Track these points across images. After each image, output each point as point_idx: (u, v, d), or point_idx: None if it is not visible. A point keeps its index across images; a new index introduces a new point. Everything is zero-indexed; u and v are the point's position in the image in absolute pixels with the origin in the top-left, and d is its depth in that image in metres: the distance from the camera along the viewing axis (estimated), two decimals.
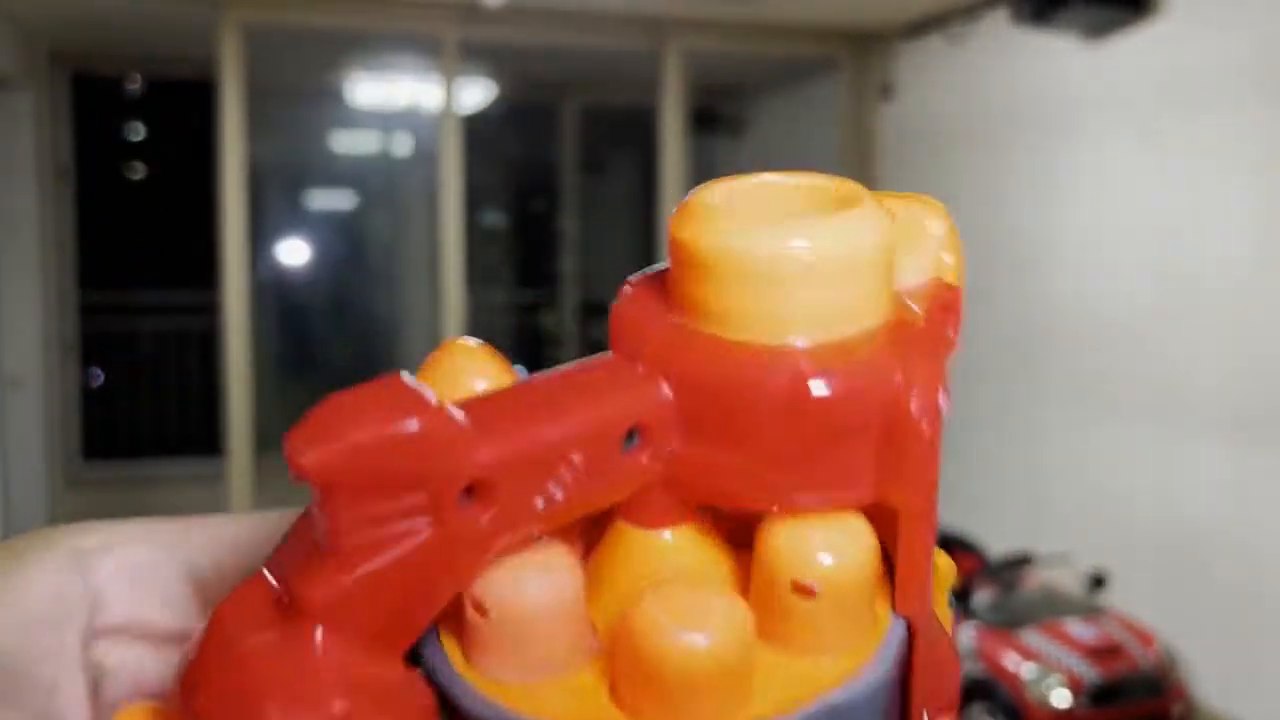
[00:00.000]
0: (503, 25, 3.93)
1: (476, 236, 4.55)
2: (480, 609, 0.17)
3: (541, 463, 0.16)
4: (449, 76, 3.94)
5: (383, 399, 0.16)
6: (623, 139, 5.55)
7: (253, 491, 3.78)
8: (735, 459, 0.17)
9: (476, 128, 4.30)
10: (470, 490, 0.16)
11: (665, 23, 4.03)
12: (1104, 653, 2.63)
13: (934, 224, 0.20)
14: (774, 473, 0.17)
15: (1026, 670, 2.59)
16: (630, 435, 0.17)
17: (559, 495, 0.17)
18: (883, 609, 0.18)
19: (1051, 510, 3.41)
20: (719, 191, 0.19)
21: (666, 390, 0.17)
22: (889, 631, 0.18)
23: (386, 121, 5.17)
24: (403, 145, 5.35)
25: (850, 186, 0.19)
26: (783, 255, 0.17)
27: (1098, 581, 2.92)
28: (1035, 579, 2.94)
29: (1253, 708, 2.73)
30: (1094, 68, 3.18)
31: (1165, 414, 2.97)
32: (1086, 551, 3.03)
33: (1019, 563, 2.97)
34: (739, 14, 3.93)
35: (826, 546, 0.17)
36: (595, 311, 5.19)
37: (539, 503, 0.16)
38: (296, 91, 4.86)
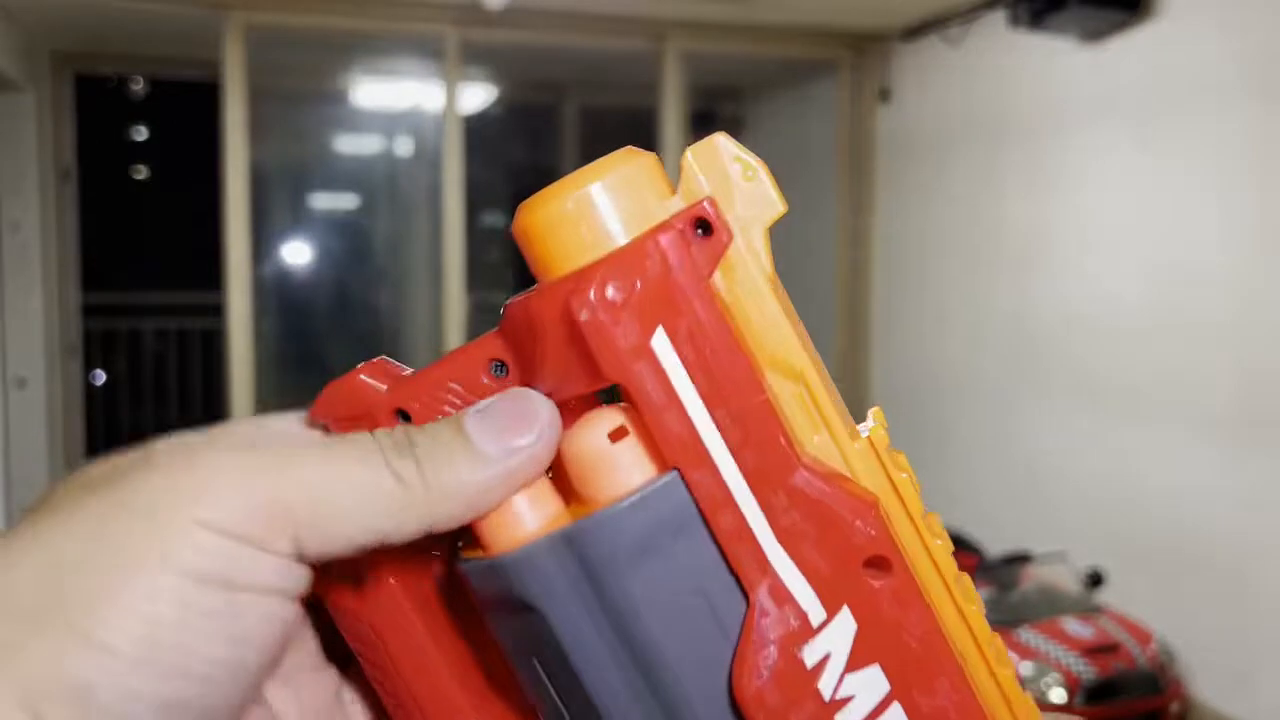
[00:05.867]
0: (504, 27, 3.94)
1: (477, 237, 4.57)
2: None
3: (432, 391, 0.26)
4: (450, 78, 3.96)
5: (348, 377, 0.27)
6: (622, 140, 5.54)
7: None
8: (533, 377, 0.25)
9: (477, 129, 4.32)
10: (402, 411, 0.26)
11: (665, 24, 4.04)
12: (1101, 651, 2.64)
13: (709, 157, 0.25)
14: (541, 374, 0.24)
15: (1024, 668, 2.59)
16: (499, 367, 0.25)
17: (454, 410, 0.25)
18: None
19: (1049, 509, 3.42)
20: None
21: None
22: (652, 483, 0.23)
23: (388, 123, 5.19)
24: (404, 146, 5.36)
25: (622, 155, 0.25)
26: (527, 220, 0.24)
27: (1095, 580, 2.92)
28: (1033, 577, 2.94)
29: (1250, 705, 2.74)
30: (1091, 70, 3.19)
31: (1162, 413, 2.98)
32: (1084, 550, 3.04)
33: (1016, 561, 2.98)
34: (738, 16, 3.94)
35: (573, 433, 0.24)
36: None
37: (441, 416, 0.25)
38: (299, 93, 4.87)
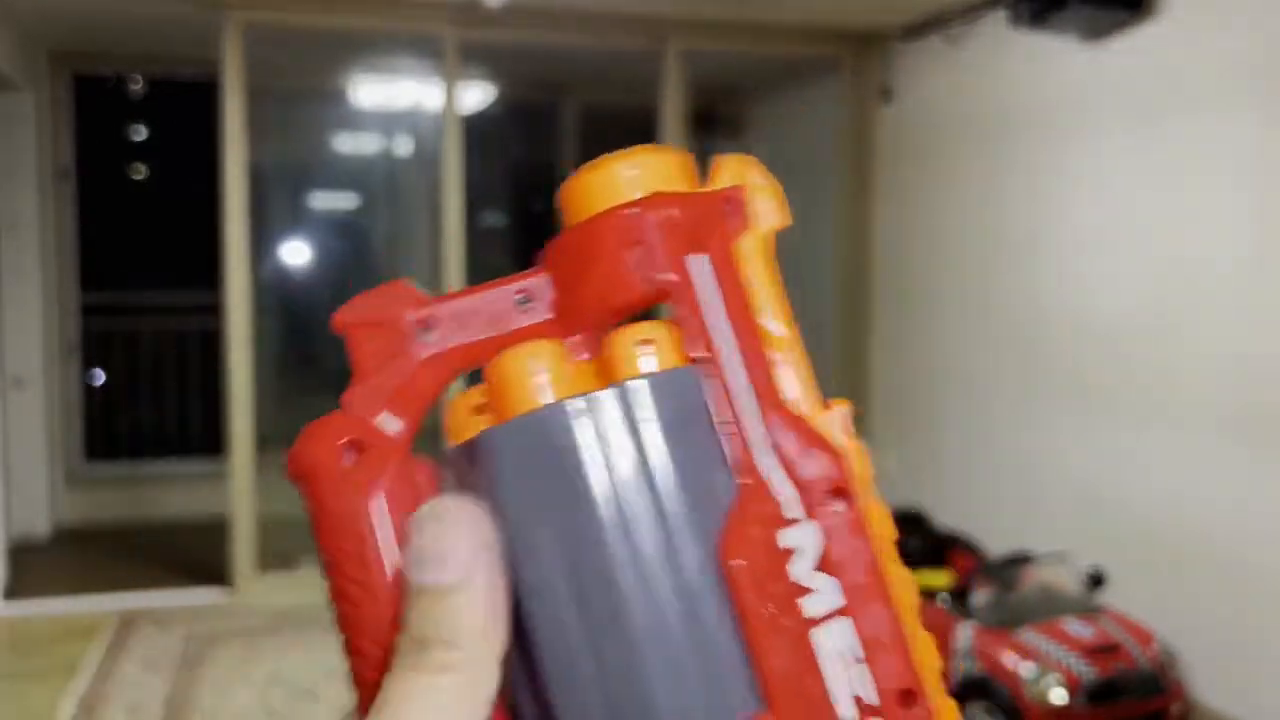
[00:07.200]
0: (503, 26, 3.93)
1: (477, 236, 4.56)
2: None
3: (459, 314, 0.29)
4: (450, 77, 3.95)
5: (375, 291, 0.30)
6: (622, 139, 5.53)
7: (254, 491, 3.79)
8: (575, 293, 0.28)
9: (477, 128, 4.31)
10: (424, 326, 0.28)
11: (665, 23, 4.03)
12: (1102, 651, 2.63)
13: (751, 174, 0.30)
14: (588, 287, 0.28)
15: (1025, 669, 2.58)
16: (525, 299, 0.28)
17: (477, 334, 0.28)
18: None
19: (1050, 510, 3.41)
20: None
21: (543, 275, 0.29)
22: (671, 369, 0.27)
23: (388, 122, 5.18)
24: (404, 146, 5.35)
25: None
26: (583, 180, 0.28)
27: (1096, 580, 2.91)
28: (1034, 578, 2.93)
29: (1250, 706, 2.73)
30: (1091, 69, 3.18)
31: (1163, 413, 2.97)
32: (1085, 551, 3.03)
33: (1017, 562, 2.97)
34: (738, 15, 3.93)
35: (630, 334, 0.27)
36: None
37: (464, 335, 0.28)
38: (298, 92, 4.86)
